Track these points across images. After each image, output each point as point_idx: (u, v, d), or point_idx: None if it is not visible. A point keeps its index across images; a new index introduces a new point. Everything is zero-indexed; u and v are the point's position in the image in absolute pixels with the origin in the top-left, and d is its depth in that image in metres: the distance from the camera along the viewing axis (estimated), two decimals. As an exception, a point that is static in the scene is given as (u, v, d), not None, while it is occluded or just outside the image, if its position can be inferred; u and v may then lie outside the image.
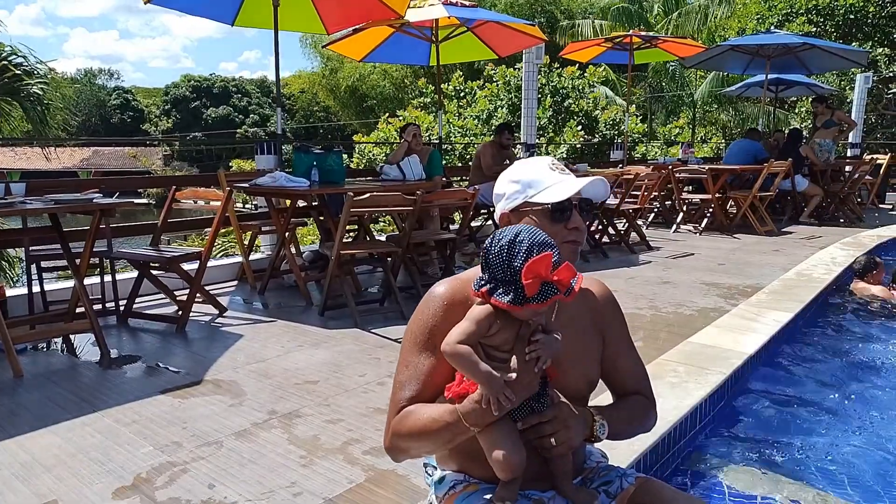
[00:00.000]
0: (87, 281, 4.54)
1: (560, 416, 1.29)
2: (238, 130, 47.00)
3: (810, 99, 11.98)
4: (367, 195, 3.87)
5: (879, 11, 15.75)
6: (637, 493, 1.38)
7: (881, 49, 15.61)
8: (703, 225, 8.13)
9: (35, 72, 6.81)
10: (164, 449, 2.40)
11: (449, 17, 6.05)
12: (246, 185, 4.65)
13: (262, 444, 2.44)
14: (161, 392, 2.95)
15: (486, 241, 1.26)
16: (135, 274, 4.30)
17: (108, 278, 4.32)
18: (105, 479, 2.19)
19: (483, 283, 1.24)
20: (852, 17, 15.94)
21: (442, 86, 13.41)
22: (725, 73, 17.41)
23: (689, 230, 8.28)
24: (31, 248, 4.07)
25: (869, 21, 16.00)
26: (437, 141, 7.71)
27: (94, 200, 3.46)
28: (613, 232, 6.91)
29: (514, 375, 1.20)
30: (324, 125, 40.99)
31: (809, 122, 14.83)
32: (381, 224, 9.16)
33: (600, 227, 6.89)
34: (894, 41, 15.83)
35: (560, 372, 1.34)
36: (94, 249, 4.18)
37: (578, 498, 1.36)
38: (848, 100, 14.60)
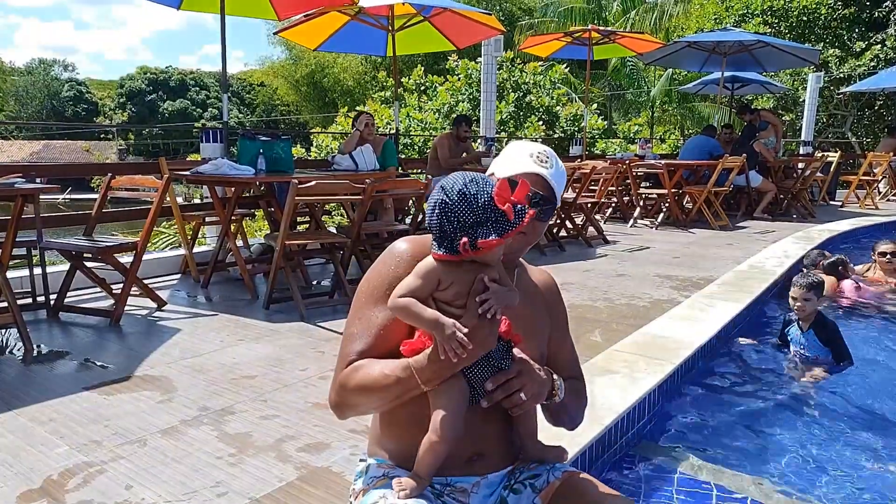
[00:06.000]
0: (17, 273, 4.31)
1: (526, 369, 1.27)
2: (196, 124, 45.91)
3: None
4: (313, 182, 3.72)
5: (831, 14, 16.18)
6: (562, 488, 1.32)
7: (832, 50, 16.04)
8: (659, 219, 8.18)
9: None
10: (81, 448, 2.22)
11: (404, 4, 5.92)
12: (187, 172, 4.45)
13: (189, 441, 2.28)
14: (86, 388, 2.76)
15: (431, 201, 1.19)
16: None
17: (38, 271, 4.06)
18: (11, 482, 2.01)
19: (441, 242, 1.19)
20: (805, 19, 16.35)
21: (403, 80, 13.27)
22: (680, 72, 17.66)
23: (646, 225, 8.32)
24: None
25: (821, 23, 16.43)
26: (395, 133, 7.56)
27: (16, 185, 3.23)
28: (571, 226, 6.89)
29: (465, 329, 1.15)
30: (285, 119, 40.31)
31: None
32: (339, 217, 8.97)
33: (558, 220, 6.86)
34: (845, 43, 16.28)
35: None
36: (23, 239, 3.95)
37: (549, 455, 1.37)
38: (801, 99, 14.94)
